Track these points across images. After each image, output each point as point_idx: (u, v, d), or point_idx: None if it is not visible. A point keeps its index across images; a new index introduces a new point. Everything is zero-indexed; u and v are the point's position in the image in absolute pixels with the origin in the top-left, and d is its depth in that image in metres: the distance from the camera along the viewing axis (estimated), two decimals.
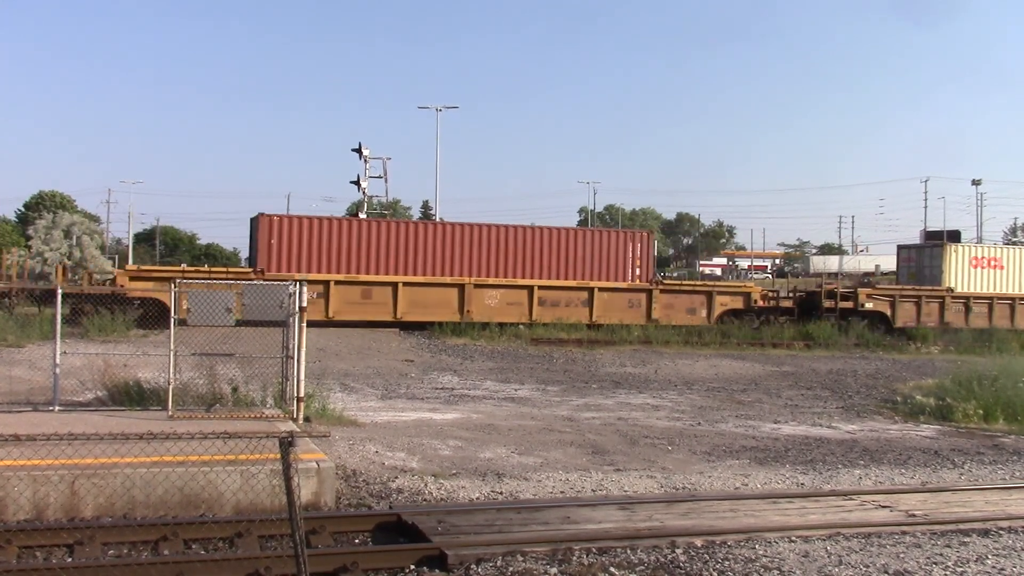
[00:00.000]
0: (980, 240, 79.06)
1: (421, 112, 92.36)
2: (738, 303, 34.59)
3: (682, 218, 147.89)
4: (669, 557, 7.89)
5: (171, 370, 12.16)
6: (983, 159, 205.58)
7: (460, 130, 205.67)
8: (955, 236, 53.96)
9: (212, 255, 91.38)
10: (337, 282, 29.95)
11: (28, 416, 11.92)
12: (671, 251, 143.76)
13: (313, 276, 29.42)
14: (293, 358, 12.69)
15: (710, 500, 10.16)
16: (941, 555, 8.21)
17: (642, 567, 7.62)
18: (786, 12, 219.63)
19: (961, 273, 37.63)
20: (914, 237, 63.26)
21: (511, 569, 7.44)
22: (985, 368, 20.38)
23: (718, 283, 39.48)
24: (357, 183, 45.76)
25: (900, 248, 45.36)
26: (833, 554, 8.12)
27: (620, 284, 33.37)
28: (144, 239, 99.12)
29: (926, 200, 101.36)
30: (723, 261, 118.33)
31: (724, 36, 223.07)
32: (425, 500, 9.90)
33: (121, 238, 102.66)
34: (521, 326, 31.51)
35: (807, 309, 35.23)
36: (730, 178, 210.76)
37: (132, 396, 13.38)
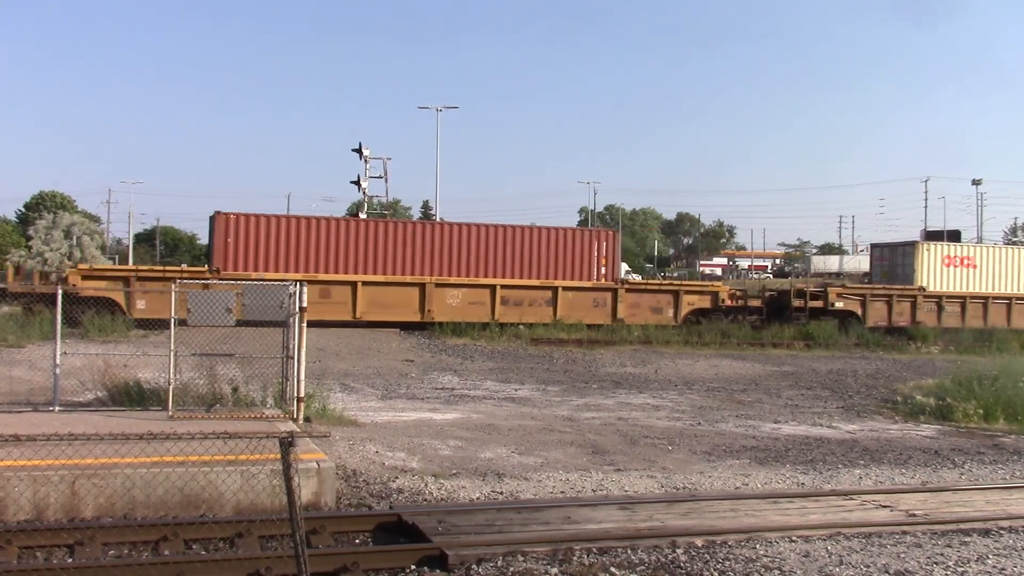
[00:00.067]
0: (980, 240, 79.06)
1: (421, 112, 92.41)
2: (705, 302, 34.29)
3: (682, 218, 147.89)
4: (670, 557, 7.89)
5: (171, 370, 12.16)
6: (983, 159, 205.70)
7: (460, 130, 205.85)
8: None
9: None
10: (298, 281, 29.60)
11: (28, 416, 11.92)
12: (671, 251, 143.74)
13: (269, 275, 29.01)
14: (293, 358, 12.69)
15: (710, 500, 10.15)
16: (942, 555, 8.21)
17: (643, 567, 7.62)
18: (786, 12, 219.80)
19: (934, 272, 37.27)
20: (914, 237, 63.20)
21: (512, 569, 7.44)
22: (985, 368, 20.38)
23: (684, 282, 38.78)
24: (357, 183, 45.77)
25: (873, 247, 44.90)
26: (834, 554, 8.11)
27: (585, 283, 33.03)
28: (144, 239, 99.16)
29: (926, 200, 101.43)
30: (723, 261, 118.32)
31: (724, 36, 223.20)
32: (425, 500, 9.90)
33: (121, 238, 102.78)
34: (522, 326, 31.50)
35: (777, 309, 34.99)
36: (730, 178, 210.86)
37: (132, 396, 13.38)
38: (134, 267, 33.72)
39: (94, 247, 63.95)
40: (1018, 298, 37.66)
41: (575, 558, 7.74)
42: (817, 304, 35.08)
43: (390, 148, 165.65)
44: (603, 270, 33.54)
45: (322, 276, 30.17)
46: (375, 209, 54.26)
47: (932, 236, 56.31)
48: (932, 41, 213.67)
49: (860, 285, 42.05)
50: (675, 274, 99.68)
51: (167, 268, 33.75)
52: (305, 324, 12.83)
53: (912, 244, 38.67)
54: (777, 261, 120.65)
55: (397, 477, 10.80)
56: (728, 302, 34.54)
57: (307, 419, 12.88)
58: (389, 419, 15.22)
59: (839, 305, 35.26)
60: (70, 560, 7.44)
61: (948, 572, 7.76)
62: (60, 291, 13.48)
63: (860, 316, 35.10)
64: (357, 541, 8.38)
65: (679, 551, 8.04)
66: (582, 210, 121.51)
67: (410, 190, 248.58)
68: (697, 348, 30.39)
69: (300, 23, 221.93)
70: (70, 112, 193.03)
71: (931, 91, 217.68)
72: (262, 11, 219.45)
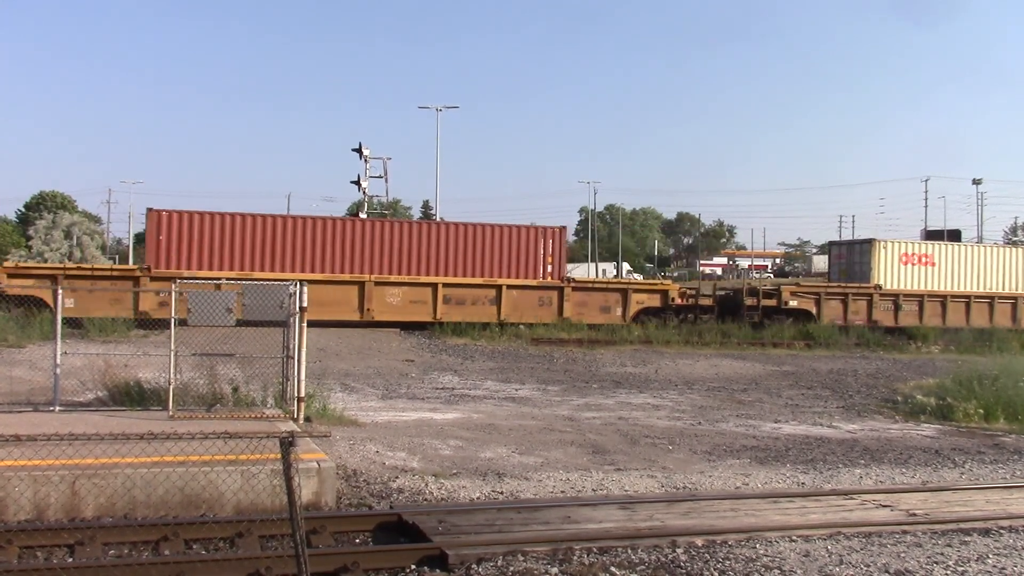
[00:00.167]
0: (981, 240, 79.07)
1: (421, 112, 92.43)
2: (655, 301, 33.84)
3: (682, 218, 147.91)
4: (670, 557, 7.89)
5: (171, 370, 12.17)
6: (983, 159, 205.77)
7: (460, 130, 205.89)
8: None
9: None
10: (229, 279, 28.63)
11: (29, 416, 11.93)
12: (671, 251, 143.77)
13: (204, 273, 28.72)
14: (293, 358, 12.69)
15: (711, 500, 10.15)
16: (942, 554, 8.21)
17: (643, 567, 7.62)
18: (786, 12, 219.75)
19: (891, 270, 36.69)
20: (915, 236, 63.18)
21: (512, 569, 7.44)
22: (986, 368, 20.38)
23: (633, 281, 38.37)
24: (357, 183, 45.76)
25: (831, 245, 44.44)
26: (834, 553, 8.11)
27: (530, 281, 32.48)
28: (145, 239, 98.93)
29: (926, 200, 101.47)
30: (723, 261, 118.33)
31: (724, 36, 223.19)
32: (426, 500, 9.90)
33: (122, 238, 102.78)
34: (522, 326, 31.48)
35: (730, 308, 34.66)
36: (730, 178, 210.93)
37: (133, 396, 13.39)
38: (62, 265, 32.55)
39: (94, 247, 64.03)
40: (977, 296, 37.10)
41: (575, 558, 7.74)
42: (771, 303, 34.67)
43: (390, 148, 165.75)
44: (549, 268, 32.99)
45: (257, 274, 29.38)
46: (375, 209, 54.28)
47: (932, 236, 56.30)
48: (932, 41, 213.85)
49: (815, 283, 41.67)
50: (675, 274, 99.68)
51: (96, 267, 32.91)
52: (305, 324, 12.83)
53: (868, 242, 38.05)
54: (777, 261, 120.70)
55: (397, 477, 10.80)
56: (678, 301, 34.10)
57: (307, 419, 12.88)
58: (389, 419, 15.22)
59: (793, 304, 34.82)
60: (70, 560, 7.44)
61: (948, 571, 7.76)
62: (60, 291, 13.47)
63: (815, 315, 34.72)
64: (357, 541, 8.38)
65: (679, 551, 8.04)
66: (582, 210, 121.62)
67: (410, 190, 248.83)
68: (697, 348, 30.39)
69: (300, 23, 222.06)
70: (70, 112, 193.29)
71: (931, 91, 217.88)
72: (262, 11, 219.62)
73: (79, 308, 26.47)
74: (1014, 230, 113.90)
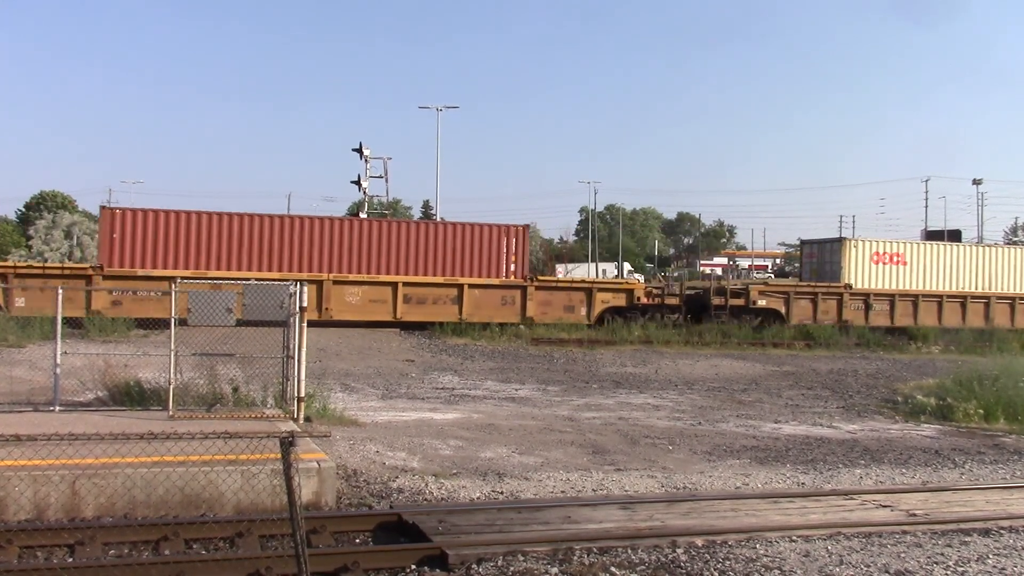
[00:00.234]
0: (981, 240, 79.04)
1: (421, 112, 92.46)
2: (620, 300, 33.49)
3: (683, 218, 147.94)
4: (670, 557, 7.89)
5: (172, 370, 12.17)
6: (983, 159, 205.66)
7: (460, 130, 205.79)
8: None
9: None
10: (184, 278, 28.67)
11: (29, 416, 11.93)
12: (672, 251, 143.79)
13: (158, 272, 28.50)
14: (294, 358, 12.69)
15: (711, 500, 10.15)
16: (942, 555, 8.21)
17: (643, 567, 7.62)
18: (786, 12, 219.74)
19: (862, 269, 36.22)
20: (915, 236, 63.18)
21: (512, 569, 7.44)
22: (986, 368, 20.37)
23: (598, 280, 37.64)
24: (358, 183, 45.77)
25: (803, 244, 43.86)
26: (834, 554, 8.11)
27: (493, 280, 31.98)
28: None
29: (927, 200, 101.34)
30: (724, 261, 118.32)
31: (724, 36, 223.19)
32: (426, 500, 9.91)
33: None
34: (521, 326, 31.46)
35: (697, 307, 34.42)
36: (730, 178, 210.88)
37: (133, 396, 13.39)
38: (12, 264, 31.81)
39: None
40: (950, 296, 36.70)
41: (575, 558, 7.74)
42: (739, 302, 34.35)
43: (390, 148, 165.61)
44: (513, 267, 32.56)
45: (212, 273, 28.93)
46: (375, 209, 54.26)
47: (932, 236, 56.27)
48: (932, 41, 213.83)
49: (784, 283, 41.38)
50: (675, 274, 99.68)
51: (46, 265, 32.25)
52: (306, 324, 12.83)
53: (839, 241, 37.69)
54: (778, 261, 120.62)
55: (397, 477, 10.80)
56: (644, 300, 33.78)
57: (308, 419, 12.88)
58: (389, 419, 15.22)
59: (761, 303, 34.51)
60: (70, 560, 7.44)
61: (948, 572, 7.76)
62: (60, 291, 13.47)
63: (784, 314, 34.44)
64: (357, 541, 8.38)
65: (679, 551, 8.04)
66: (582, 210, 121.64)
67: (410, 190, 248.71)
68: (697, 348, 30.39)
69: (300, 23, 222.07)
70: (70, 112, 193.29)
71: (931, 91, 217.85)
72: (262, 11, 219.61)
73: (29, 307, 26.27)
74: (1014, 230, 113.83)
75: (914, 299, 36.23)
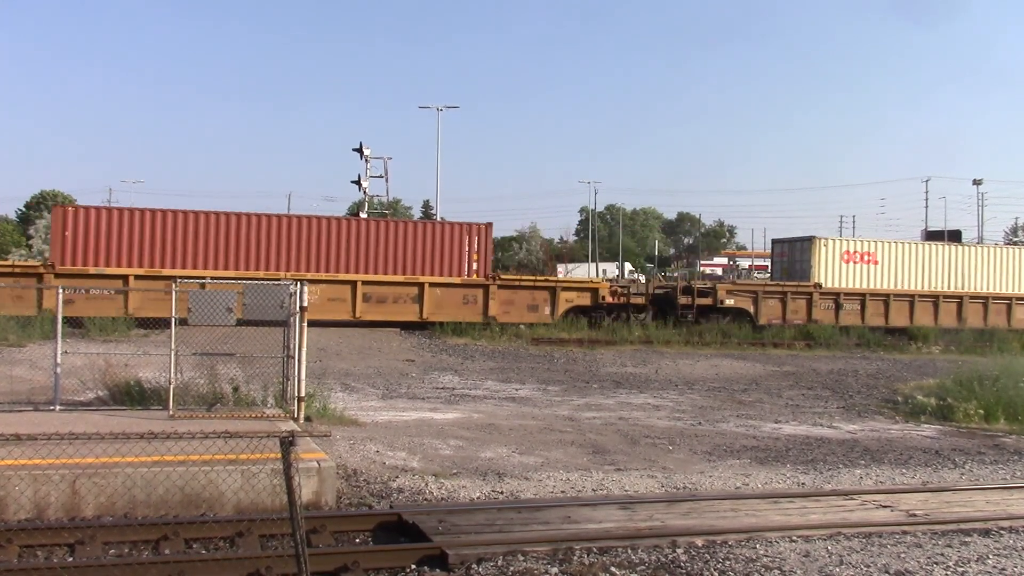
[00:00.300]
0: (981, 240, 79.00)
1: (422, 112, 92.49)
2: (585, 299, 33.05)
3: (683, 218, 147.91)
4: (670, 557, 7.89)
5: (172, 370, 12.17)
6: (983, 159, 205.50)
7: (460, 130, 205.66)
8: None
9: None
10: (138, 276, 28.56)
11: (29, 415, 11.93)
12: (672, 251, 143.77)
13: (111, 270, 28.35)
14: (294, 358, 12.69)
15: (711, 500, 10.15)
16: (942, 555, 8.21)
17: (643, 567, 7.62)
18: (786, 12, 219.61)
19: (832, 268, 35.87)
20: (915, 237, 63.15)
21: (512, 568, 7.44)
22: (986, 368, 20.38)
23: (562, 279, 37.10)
24: (358, 183, 45.80)
25: (774, 243, 43.36)
26: (834, 554, 8.11)
27: (454, 279, 31.61)
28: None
29: (927, 200, 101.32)
30: (724, 261, 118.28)
31: (724, 36, 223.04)
32: (426, 500, 9.91)
33: None
34: (522, 326, 31.45)
35: (664, 306, 34.13)
36: (730, 178, 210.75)
37: (133, 396, 13.39)
38: None
39: None
40: (921, 295, 36.40)
41: (575, 558, 7.75)
42: (706, 302, 34.09)
43: (391, 148, 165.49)
44: (475, 266, 32.18)
45: (167, 271, 28.49)
46: (375, 208, 54.30)
47: (932, 236, 56.20)
48: (932, 41, 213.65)
49: (752, 282, 41.10)
50: (675, 273, 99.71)
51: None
52: (306, 324, 12.84)
53: (809, 239, 37.13)
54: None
55: (397, 476, 10.80)
56: (609, 299, 33.41)
57: (308, 419, 12.88)
58: (390, 419, 15.22)
59: (729, 302, 34.24)
60: (70, 559, 7.44)
61: (948, 572, 7.76)
62: (60, 290, 13.47)
63: (752, 314, 34.21)
64: (357, 540, 8.39)
65: (679, 551, 8.04)
66: (582, 210, 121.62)
67: (411, 190, 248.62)
68: (698, 348, 30.40)
69: (300, 23, 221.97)
70: (70, 112, 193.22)
71: (931, 91, 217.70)
72: (262, 11, 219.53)
73: None
74: (1015, 230, 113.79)
75: (885, 298, 35.93)
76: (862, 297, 35.69)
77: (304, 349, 12.67)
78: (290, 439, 5.89)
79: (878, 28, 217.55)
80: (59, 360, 12.81)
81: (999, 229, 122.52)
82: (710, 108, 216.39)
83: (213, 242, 30.00)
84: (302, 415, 12.55)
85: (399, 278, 31.17)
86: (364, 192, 46.23)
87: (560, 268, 65.82)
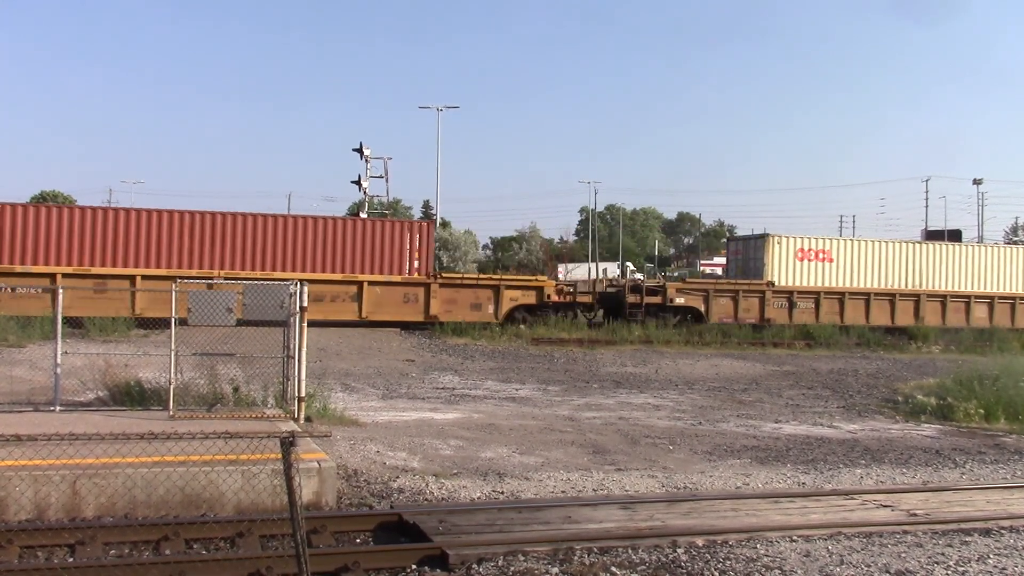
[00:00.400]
0: (981, 239, 79.01)
1: (422, 112, 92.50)
2: (530, 298, 32.52)
3: (683, 217, 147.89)
4: (671, 557, 7.89)
5: (172, 370, 12.17)
6: (983, 159, 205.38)
7: (460, 130, 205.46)
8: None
9: None
10: (66, 275, 27.97)
11: (29, 416, 11.93)
12: (672, 251, 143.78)
13: (38, 269, 27.92)
14: (294, 358, 12.69)
15: (711, 500, 10.15)
16: (943, 554, 8.21)
17: (643, 567, 7.62)
18: (786, 12, 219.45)
19: (786, 266, 35.35)
20: (915, 236, 63.12)
21: (512, 568, 7.44)
22: (986, 368, 20.38)
23: (505, 277, 36.53)
24: (358, 183, 45.85)
25: (729, 240, 43.06)
26: (835, 553, 8.11)
27: (394, 278, 31.07)
28: None
29: (927, 199, 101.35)
30: (724, 261, 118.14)
31: (724, 36, 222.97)
32: (426, 500, 9.91)
33: None
34: (523, 326, 31.42)
35: (612, 305, 33.77)
36: (730, 178, 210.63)
37: (133, 396, 13.39)
38: None
39: None
40: (877, 293, 35.91)
41: (576, 558, 7.74)
42: (655, 300, 33.69)
43: (391, 148, 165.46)
44: (416, 264, 31.72)
45: (96, 270, 28.31)
46: (376, 209, 54.31)
47: (932, 236, 56.19)
48: (932, 40, 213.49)
49: (703, 280, 40.64)
50: (676, 273, 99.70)
51: None
52: (306, 324, 12.84)
53: (762, 237, 36.68)
54: None
55: (398, 477, 10.80)
56: (555, 298, 33.01)
57: (308, 419, 12.88)
58: (390, 419, 15.22)
59: (679, 301, 33.85)
60: (71, 560, 7.44)
61: (949, 572, 7.76)
62: (60, 290, 13.47)
63: (703, 312, 33.89)
64: (358, 541, 8.38)
65: (680, 551, 8.04)
66: (582, 210, 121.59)
67: (411, 190, 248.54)
68: (698, 348, 30.39)
69: (300, 23, 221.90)
70: (70, 112, 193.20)
71: (931, 91, 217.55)
72: (262, 11, 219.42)
73: None
74: (1015, 230, 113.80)
75: (840, 297, 35.42)
76: (816, 295, 35.19)
77: (304, 349, 12.67)
78: (290, 439, 5.89)
79: (878, 28, 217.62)
80: (59, 360, 12.80)
81: (999, 229, 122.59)
82: (710, 108, 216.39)
83: (144, 241, 29.46)
84: (302, 415, 12.55)
85: (336, 276, 30.50)
86: (364, 192, 46.29)
87: (560, 268, 65.79)
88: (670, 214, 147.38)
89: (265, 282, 15.89)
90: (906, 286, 36.66)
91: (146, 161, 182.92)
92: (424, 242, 31.95)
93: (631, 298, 33.50)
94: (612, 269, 78.41)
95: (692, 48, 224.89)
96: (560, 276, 52.11)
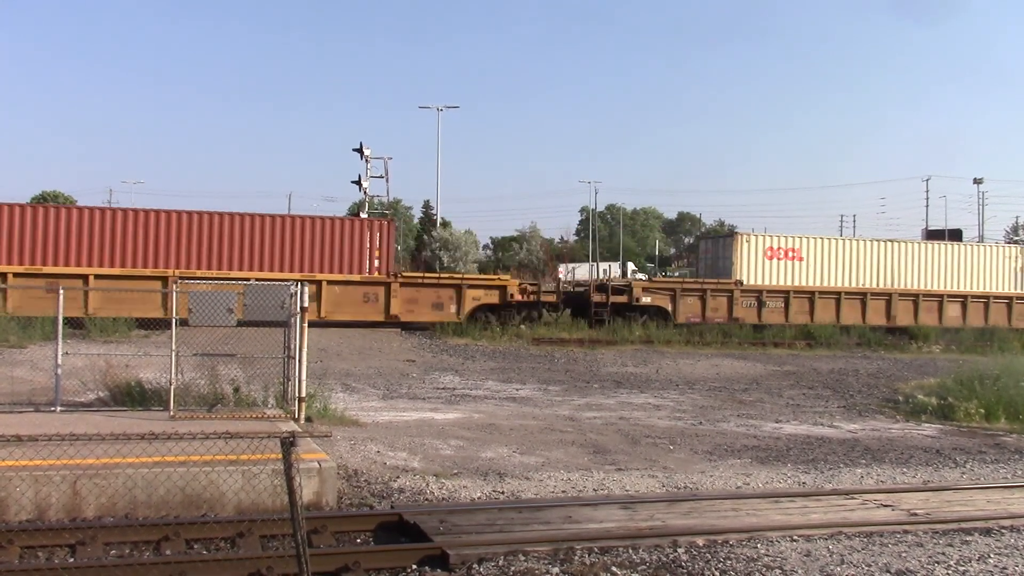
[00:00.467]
0: (982, 239, 79.00)
1: (422, 112, 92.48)
2: (492, 297, 32.15)
3: (683, 217, 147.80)
4: (671, 556, 7.89)
5: (173, 370, 12.18)
6: (984, 158, 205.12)
7: (460, 130, 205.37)
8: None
9: None
10: (17, 274, 27.83)
11: (30, 416, 11.94)
12: (672, 250, 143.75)
13: None
14: (295, 358, 12.70)
15: (712, 499, 10.15)
16: (943, 554, 8.21)
17: (644, 566, 7.62)
18: (786, 12, 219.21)
19: (755, 265, 35.04)
20: (916, 236, 63.09)
21: (513, 568, 7.44)
22: (987, 367, 20.38)
23: (468, 276, 36.13)
24: (358, 183, 45.83)
25: (698, 239, 42.62)
26: (835, 553, 8.11)
27: (354, 277, 30.60)
28: None
29: (927, 199, 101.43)
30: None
31: (724, 36, 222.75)
32: (427, 500, 9.91)
33: None
34: (523, 326, 31.41)
35: (577, 304, 33.60)
36: (730, 178, 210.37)
37: (134, 396, 13.40)
38: None
39: None
40: (848, 292, 35.51)
41: (576, 557, 7.75)
42: (621, 299, 33.48)
43: (391, 148, 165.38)
44: (376, 263, 31.32)
45: (48, 269, 27.89)
46: (376, 209, 54.32)
47: (933, 235, 56.16)
48: (932, 40, 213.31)
49: (670, 279, 40.41)
50: (676, 273, 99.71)
51: None
52: (307, 324, 12.84)
53: (731, 236, 36.42)
54: None
55: (398, 477, 10.80)
56: (518, 297, 32.65)
57: (308, 419, 12.89)
58: (390, 419, 15.23)
59: (646, 300, 33.61)
60: (71, 560, 7.45)
61: (949, 571, 7.75)
62: (61, 291, 13.48)
63: (670, 311, 33.63)
64: (358, 541, 8.39)
65: (680, 550, 8.04)
66: (583, 210, 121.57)
67: (411, 190, 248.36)
68: (698, 348, 30.40)
69: (300, 23, 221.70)
70: (70, 112, 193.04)
71: (931, 90, 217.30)
72: (262, 11, 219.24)
73: None
74: (1015, 230, 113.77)
75: (810, 296, 35.14)
76: (786, 294, 34.91)
77: (305, 349, 12.68)
78: (291, 439, 5.90)
79: (878, 28, 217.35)
80: (60, 361, 12.82)
81: (999, 228, 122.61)
82: (710, 108, 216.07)
83: (98, 239, 29.03)
84: (303, 415, 12.56)
85: (296, 275, 29.43)
86: (364, 192, 46.26)
87: (561, 268, 65.81)
88: (670, 214, 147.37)
89: (266, 282, 15.91)
90: (878, 285, 36.44)
91: (147, 161, 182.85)
92: (385, 241, 31.60)
93: (596, 297, 33.34)
94: (613, 269, 78.44)
95: (692, 48, 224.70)
96: (561, 276, 52.04)
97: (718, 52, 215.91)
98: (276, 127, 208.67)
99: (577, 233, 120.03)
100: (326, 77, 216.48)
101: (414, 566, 7.51)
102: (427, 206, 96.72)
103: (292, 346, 12.89)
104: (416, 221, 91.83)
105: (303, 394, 12.64)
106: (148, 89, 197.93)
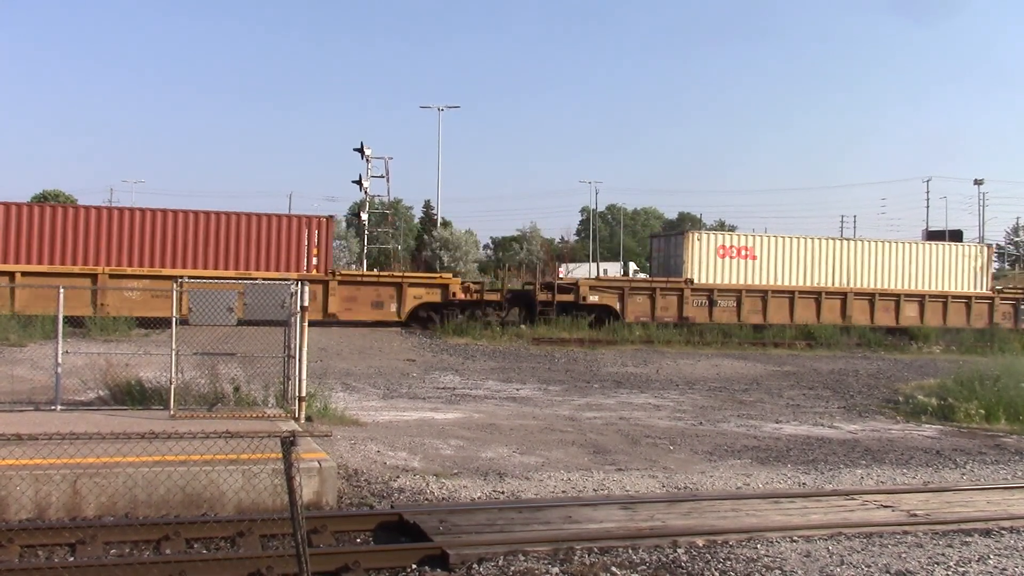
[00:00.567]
0: (982, 240, 78.97)
1: (422, 112, 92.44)
2: (434, 296, 31.86)
3: (683, 217, 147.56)
4: (671, 557, 7.89)
5: (173, 369, 12.18)
6: (984, 159, 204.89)
7: (461, 130, 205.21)
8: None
9: None
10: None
11: (30, 415, 11.94)
12: None
13: None
14: (295, 357, 12.70)
15: (712, 500, 10.15)
16: (943, 555, 8.20)
17: (644, 567, 7.62)
18: (786, 11, 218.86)
19: (706, 263, 34.49)
20: (916, 236, 63.12)
21: (513, 568, 7.44)
22: (987, 368, 20.37)
23: (409, 274, 35.75)
24: (359, 183, 45.87)
25: (651, 237, 41.95)
26: (835, 554, 8.11)
27: (290, 274, 29.20)
28: None
29: (928, 199, 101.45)
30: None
31: (724, 35, 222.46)
32: (427, 499, 9.91)
33: None
34: (523, 326, 31.40)
35: (522, 303, 33.34)
36: (730, 178, 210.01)
37: (134, 395, 13.40)
38: None
39: None
40: (802, 291, 35.12)
41: (576, 558, 7.75)
42: (567, 298, 32.96)
43: (392, 148, 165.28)
44: (315, 260, 30.98)
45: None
46: (376, 208, 54.35)
47: (933, 236, 56.19)
48: (932, 40, 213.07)
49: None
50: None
51: None
52: (307, 323, 12.84)
53: (681, 234, 36.22)
54: None
55: (398, 476, 10.80)
56: (461, 296, 32.37)
57: (309, 418, 12.89)
58: (391, 419, 15.22)
59: (593, 299, 33.26)
60: (71, 559, 7.45)
61: (949, 572, 7.75)
62: (61, 290, 13.47)
63: (618, 310, 33.32)
64: (358, 540, 8.39)
65: (680, 551, 8.04)
66: (583, 210, 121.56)
67: (411, 190, 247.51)
68: (698, 348, 30.40)
69: (300, 23, 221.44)
70: (70, 112, 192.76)
71: (931, 90, 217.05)
72: (262, 11, 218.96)
73: None
74: (1016, 230, 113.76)
75: (763, 295, 34.76)
76: (738, 293, 34.55)
77: (305, 349, 12.68)
78: (291, 439, 5.90)
79: (878, 27, 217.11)
80: (60, 360, 12.82)
81: (1000, 229, 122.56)
82: (710, 108, 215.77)
83: (25, 236, 28.72)
84: (303, 415, 12.56)
85: (230, 273, 29.28)
86: (365, 192, 46.35)
87: (562, 268, 65.84)
88: (671, 214, 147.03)
89: (266, 282, 15.86)
90: (832, 283, 36.08)
91: (147, 161, 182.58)
92: (323, 239, 31.25)
93: (542, 296, 33.10)
94: (614, 269, 78.47)
95: (692, 48, 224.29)
96: (562, 276, 52.08)
97: (718, 52, 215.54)
98: (277, 127, 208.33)
99: (578, 233, 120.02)
100: (326, 77, 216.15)
101: (414, 566, 7.51)
102: (428, 206, 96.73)
103: (292, 345, 12.90)
104: (417, 221, 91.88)
105: (303, 393, 12.64)
106: (148, 89, 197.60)
